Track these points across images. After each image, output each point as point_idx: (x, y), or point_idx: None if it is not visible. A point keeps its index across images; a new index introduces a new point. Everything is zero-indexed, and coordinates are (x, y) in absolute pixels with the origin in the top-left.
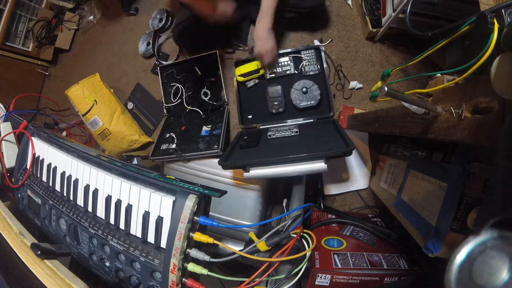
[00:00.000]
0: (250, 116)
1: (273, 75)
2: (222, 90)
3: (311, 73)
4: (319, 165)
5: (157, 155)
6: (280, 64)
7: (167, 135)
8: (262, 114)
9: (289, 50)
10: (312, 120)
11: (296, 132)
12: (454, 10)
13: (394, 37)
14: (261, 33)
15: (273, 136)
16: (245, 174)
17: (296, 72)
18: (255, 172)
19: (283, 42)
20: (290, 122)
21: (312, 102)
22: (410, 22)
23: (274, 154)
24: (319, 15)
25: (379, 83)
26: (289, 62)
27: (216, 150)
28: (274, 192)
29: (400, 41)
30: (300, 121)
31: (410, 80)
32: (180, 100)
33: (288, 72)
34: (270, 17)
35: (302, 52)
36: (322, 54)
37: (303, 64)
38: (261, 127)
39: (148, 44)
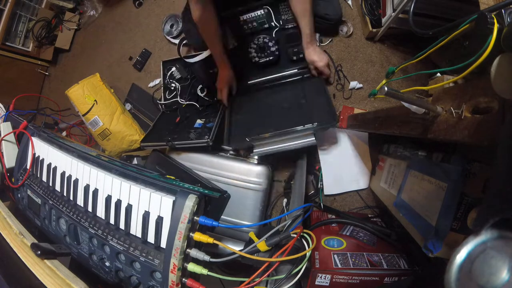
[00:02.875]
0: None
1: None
2: None
3: (290, 25)
4: (310, 140)
5: (148, 141)
6: (255, 16)
7: (160, 126)
8: (250, 70)
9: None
10: (298, 76)
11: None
12: (454, 10)
13: (394, 37)
14: (318, 53)
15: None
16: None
17: (276, 24)
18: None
19: None
20: (278, 75)
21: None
22: (412, 20)
23: (267, 122)
24: None
25: (384, 81)
26: (262, 13)
27: (206, 140)
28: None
29: (399, 41)
30: (286, 72)
31: (410, 80)
32: (177, 96)
33: (266, 26)
34: (315, 37)
35: (280, 4)
36: None
37: (281, 17)
38: (249, 83)
39: (171, 26)
